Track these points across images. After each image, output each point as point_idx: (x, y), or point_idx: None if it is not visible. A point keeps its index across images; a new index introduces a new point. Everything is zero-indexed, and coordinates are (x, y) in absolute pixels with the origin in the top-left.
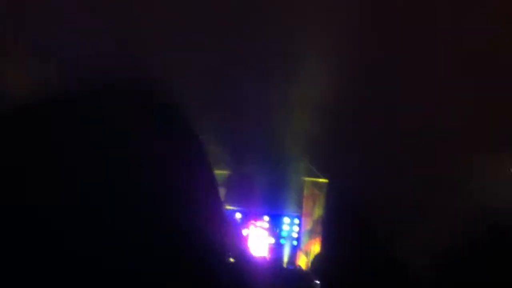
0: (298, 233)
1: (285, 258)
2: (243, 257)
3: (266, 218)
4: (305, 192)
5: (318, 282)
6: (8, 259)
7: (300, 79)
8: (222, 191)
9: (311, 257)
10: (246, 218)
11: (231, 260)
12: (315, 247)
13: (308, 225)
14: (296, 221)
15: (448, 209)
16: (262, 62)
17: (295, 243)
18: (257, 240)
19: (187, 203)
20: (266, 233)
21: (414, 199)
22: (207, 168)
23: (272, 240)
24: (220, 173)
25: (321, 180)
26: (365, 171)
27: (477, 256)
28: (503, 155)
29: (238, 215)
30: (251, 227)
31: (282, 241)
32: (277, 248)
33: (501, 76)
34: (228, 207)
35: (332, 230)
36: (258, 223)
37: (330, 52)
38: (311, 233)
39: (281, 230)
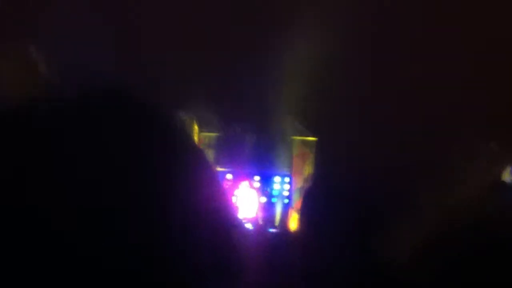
0: (289, 191)
1: (277, 217)
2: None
3: (257, 177)
4: (295, 151)
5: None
6: (9, 258)
7: (289, 41)
8: (211, 153)
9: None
10: (237, 178)
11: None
12: None
13: (298, 183)
14: (287, 179)
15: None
16: (252, 23)
17: (286, 201)
18: (249, 199)
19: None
20: (257, 192)
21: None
22: (207, 175)
23: (263, 199)
24: (209, 135)
25: (310, 138)
26: (353, 131)
27: (463, 251)
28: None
29: (229, 176)
30: (243, 187)
31: (273, 200)
32: (268, 207)
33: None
34: (219, 169)
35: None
36: (249, 183)
37: (322, 11)
38: (302, 191)
39: (272, 189)
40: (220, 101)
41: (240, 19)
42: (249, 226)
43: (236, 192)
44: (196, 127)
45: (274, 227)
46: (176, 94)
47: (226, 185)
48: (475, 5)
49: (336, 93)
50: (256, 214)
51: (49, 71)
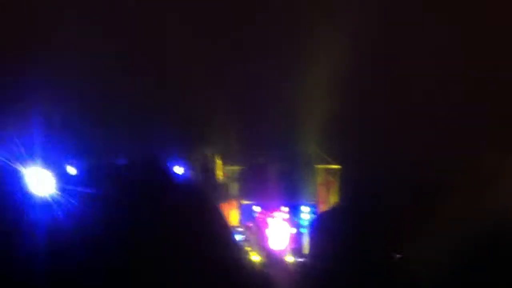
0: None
1: (306, 246)
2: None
3: (285, 209)
4: (319, 180)
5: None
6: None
7: (309, 70)
8: (236, 186)
9: None
10: (265, 210)
11: None
12: None
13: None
14: (313, 209)
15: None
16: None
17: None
18: (279, 231)
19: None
20: (287, 223)
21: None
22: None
23: (293, 230)
24: (233, 168)
25: (333, 166)
26: (376, 157)
27: (481, 256)
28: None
29: (257, 209)
30: (276, 218)
31: (302, 230)
32: (298, 237)
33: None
34: (244, 202)
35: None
36: (278, 214)
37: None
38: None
39: (299, 219)
40: (242, 134)
41: (257, 47)
42: (288, 257)
43: (269, 224)
44: (220, 162)
45: (303, 256)
46: (201, 130)
47: (256, 217)
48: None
49: (358, 121)
50: (288, 245)
51: None
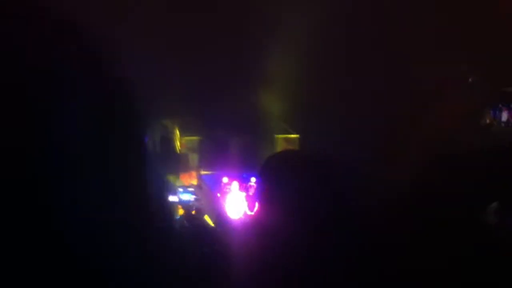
0: None
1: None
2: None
3: (253, 179)
4: (278, 149)
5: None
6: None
7: (270, 41)
8: (195, 157)
9: None
10: (233, 181)
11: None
12: None
13: None
14: None
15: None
16: (233, 28)
17: None
18: (238, 201)
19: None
20: (242, 193)
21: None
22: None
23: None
24: (192, 139)
25: (292, 136)
26: (333, 125)
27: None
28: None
29: (225, 179)
30: (233, 189)
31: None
32: (253, 206)
33: None
34: (203, 172)
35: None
36: (239, 184)
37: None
38: None
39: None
40: (201, 104)
41: (223, 21)
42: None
43: (229, 191)
44: (178, 132)
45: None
46: (157, 99)
47: (224, 189)
48: None
49: (319, 90)
50: (243, 215)
51: None
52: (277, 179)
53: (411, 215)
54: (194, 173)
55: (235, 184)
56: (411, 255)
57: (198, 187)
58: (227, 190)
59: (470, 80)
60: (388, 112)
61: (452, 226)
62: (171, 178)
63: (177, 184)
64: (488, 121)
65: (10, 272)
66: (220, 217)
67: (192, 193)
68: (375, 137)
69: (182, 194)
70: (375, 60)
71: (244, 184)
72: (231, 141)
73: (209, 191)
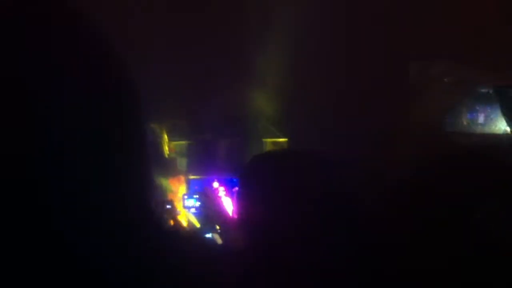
0: None
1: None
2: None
3: (222, 183)
4: None
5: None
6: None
7: (258, 43)
8: (184, 161)
9: None
10: (224, 185)
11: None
12: None
13: None
14: None
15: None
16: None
17: None
18: (227, 206)
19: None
20: (228, 198)
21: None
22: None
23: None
24: (180, 143)
25: (281, 139)
26: (321, 129)
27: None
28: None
29: (216, 184)
30: (220, 193)
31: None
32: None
33: None
34: (192, 177)
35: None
36: (225, 189)
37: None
38: None
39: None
40: (189, 109)
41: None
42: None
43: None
44: (166, 136)
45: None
46: (144, 103)
47: (216, 193)
48: None
49: (307, 93)
50: (232, 219)
51: None
52: (263, 179)
53: (411, 215)
54: (182, 178)
55: (221, 189)
56: (411, 255)
57: (203, 193)
58: (219, 194)
59: (445, 80)
60: (377, 113)
61: (452, 226)
62: (163, 182)
63: (168, 188)
64: (465, 123)
65: (10, 272)
66: (226, 223)
67: (196, 199)
68: (364, 141)
69: (187, 201)
70: (364, 60)
71: (231, 189)
72: (219, 145)
73: (214, 197)
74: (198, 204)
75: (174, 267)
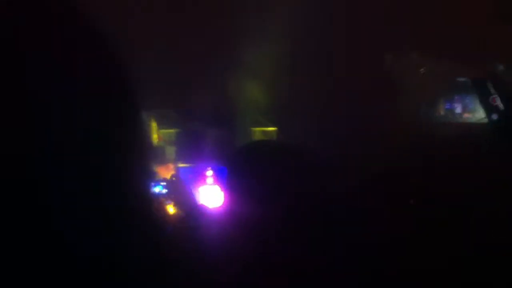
0: None
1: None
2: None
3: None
4: None
5: None
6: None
7: (248, 33)
8: (173, 150)
9: None
10: (218, 174)
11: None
12: None
13: None
14: None
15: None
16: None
17: None
18: (214, 194)
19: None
20: (217, 185)
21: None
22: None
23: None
24: (169, 131)
25: (269, 128)
26: (310, 118)
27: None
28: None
29: (209, 173)
30: (208, 181)
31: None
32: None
33: None
34: (181, 165)
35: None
36: (213, 177)
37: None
38: None
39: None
40: (178, 97)
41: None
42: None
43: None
44: (154, 125)
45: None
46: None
47: (206, 181)
48: None
49: (296, 82)
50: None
51: None
52: (249, 169)
53: (411, 215)
54: (171, 166)
55: (209, 176)
56: (411, 255)
57: (170, 180)
58: (208, 182)
59: (422, 70)
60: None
61: (452, 226)
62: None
63: (155, 177)
64: (442, 112)
65: (10, 272)
66: (194, 210)
67: (163, 186)
68: (353, 130)
69: (154, 188)
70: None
71: (219, 176)
72: (208, 133)
73: (182, 184)
74: (165, 191)
75: (174, 266)
